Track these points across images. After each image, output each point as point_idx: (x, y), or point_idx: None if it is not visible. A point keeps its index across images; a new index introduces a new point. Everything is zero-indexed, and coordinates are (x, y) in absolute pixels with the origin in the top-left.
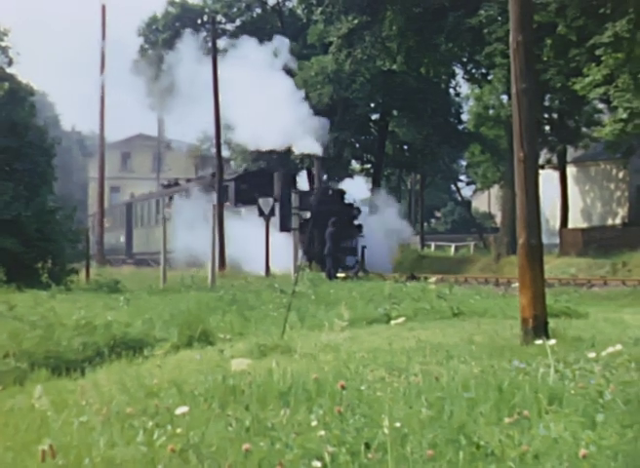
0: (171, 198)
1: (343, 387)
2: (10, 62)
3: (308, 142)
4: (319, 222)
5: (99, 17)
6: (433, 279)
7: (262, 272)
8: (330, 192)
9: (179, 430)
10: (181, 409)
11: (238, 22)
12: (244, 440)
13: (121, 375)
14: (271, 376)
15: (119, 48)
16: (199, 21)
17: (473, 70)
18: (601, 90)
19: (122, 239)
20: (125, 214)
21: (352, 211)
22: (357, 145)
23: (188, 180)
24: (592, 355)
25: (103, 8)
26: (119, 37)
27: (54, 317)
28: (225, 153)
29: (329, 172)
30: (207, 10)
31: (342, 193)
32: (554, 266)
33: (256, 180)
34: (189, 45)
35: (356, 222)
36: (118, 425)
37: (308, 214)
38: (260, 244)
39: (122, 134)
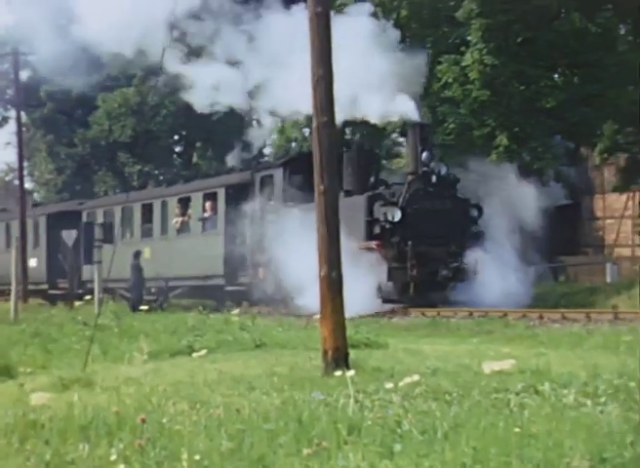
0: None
1: (144, 421)
2: None
3: (399, 103)
4: (413, 229)
5: None
6: (237, 311)
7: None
8: (433, 179)
9: None
10: None
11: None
12: None
13: None
14: (72, 410)
15: None
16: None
17: None
18: (400, 123)
19: (33, 263)
20: (45, 230)
21: (469, 210)
22: (161, 178)
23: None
24: (391, 385)
25: None
26: None
27: None
28: (28, 185)
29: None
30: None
31: (455, 182)
32: None
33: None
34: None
35: (475, 229)
36: None
37: (396, 215)
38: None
39: None
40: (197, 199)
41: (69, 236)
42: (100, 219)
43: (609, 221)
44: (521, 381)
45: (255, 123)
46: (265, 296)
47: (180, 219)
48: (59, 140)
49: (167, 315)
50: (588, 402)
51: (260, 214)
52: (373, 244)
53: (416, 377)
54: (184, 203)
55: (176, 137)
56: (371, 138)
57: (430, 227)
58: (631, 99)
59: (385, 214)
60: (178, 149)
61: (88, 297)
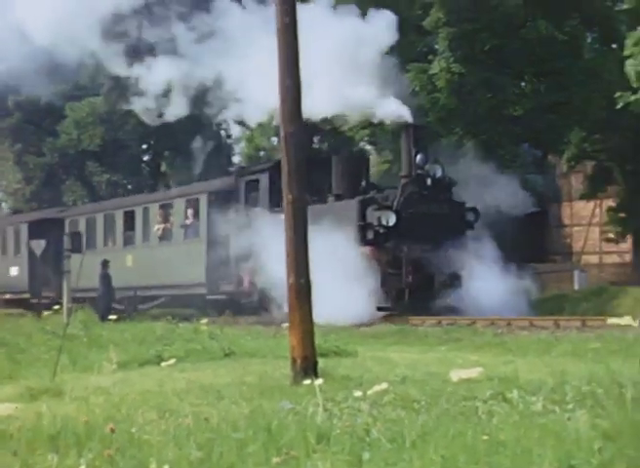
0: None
1: (113, 430)
2: None
3: (391, 105)
4: (408, 234)
5: None
6: (205, 320)
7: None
8: (428, 182)
9: None
10: None
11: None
12: None
13: None
14: (41, 420)
15: None
16: None
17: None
18: (367, 131)
19: (14, 272)
20: (26, 238)
21: (465, 214)
22: (129, 187)
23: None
24: (359, 394)
25: None
26: None
27: None
28: None
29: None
30: None
31: (450, 185)
32: None
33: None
34: None
35: (471, 233)
36: None
37: (391, 219)
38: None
39: None
40: (179, 205)
41: (38, 246)
42: (82, 227)
43: (576, 229)
44: (489, 389)
45: (222, 133)
46: (250, 305)
47: (161, 226)
48: (27, 150)
49: (135, 324)
50: (556, 409)
51: (244, 220)
52: (366, 249)
53: (384, 385)
54: (166, 209)
55: (144, 146)
56: (339, 147)
57: (426, 232)
58: (598, 107)
59: (379, 218)
60: (146, 158)
61: (56, 307)
